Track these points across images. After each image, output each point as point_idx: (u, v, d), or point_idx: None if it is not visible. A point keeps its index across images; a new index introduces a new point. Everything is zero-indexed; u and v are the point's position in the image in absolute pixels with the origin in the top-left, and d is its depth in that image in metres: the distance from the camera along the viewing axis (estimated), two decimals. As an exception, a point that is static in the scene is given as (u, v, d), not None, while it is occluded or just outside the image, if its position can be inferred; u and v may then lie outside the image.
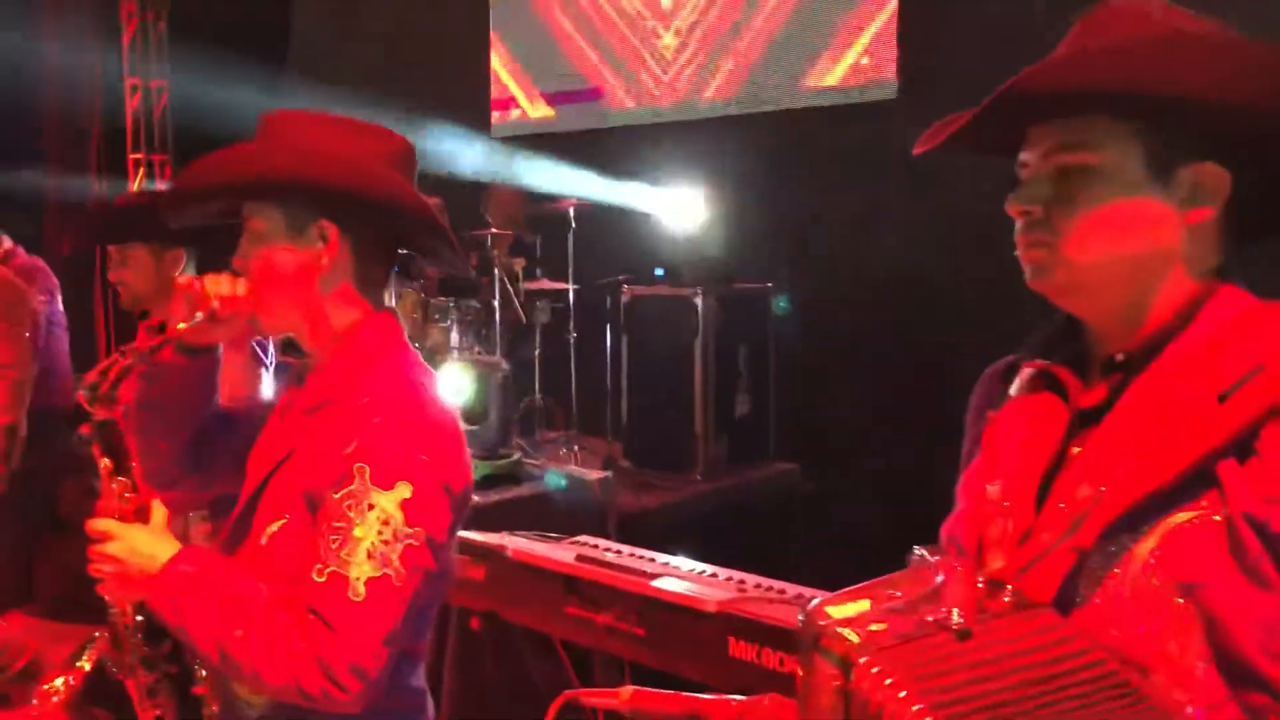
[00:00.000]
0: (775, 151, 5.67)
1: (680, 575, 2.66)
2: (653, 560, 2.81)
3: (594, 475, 4.15)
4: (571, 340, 5.30)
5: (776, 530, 4.84)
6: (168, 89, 8.41)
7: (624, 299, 5.15)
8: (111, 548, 1.44)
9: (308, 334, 1.56)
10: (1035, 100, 1.11)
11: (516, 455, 4.31)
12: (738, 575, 2.72)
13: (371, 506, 1.35)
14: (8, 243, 5.28)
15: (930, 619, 0.99)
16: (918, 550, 1.09)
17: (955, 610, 0.98)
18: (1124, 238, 1.11)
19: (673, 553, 2.89)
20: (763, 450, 5.25)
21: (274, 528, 1.44)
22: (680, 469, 4.95)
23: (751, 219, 5.43)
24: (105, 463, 1.51)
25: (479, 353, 5.09)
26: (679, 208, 5.17)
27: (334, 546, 1.34)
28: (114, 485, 1.51)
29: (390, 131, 1.56)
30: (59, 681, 1.50)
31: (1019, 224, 1.16)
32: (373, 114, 1.60)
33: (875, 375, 5.21)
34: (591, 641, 2.69)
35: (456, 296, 4.98)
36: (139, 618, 1.53)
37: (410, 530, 1.36)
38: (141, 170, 8.37)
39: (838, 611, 1.02)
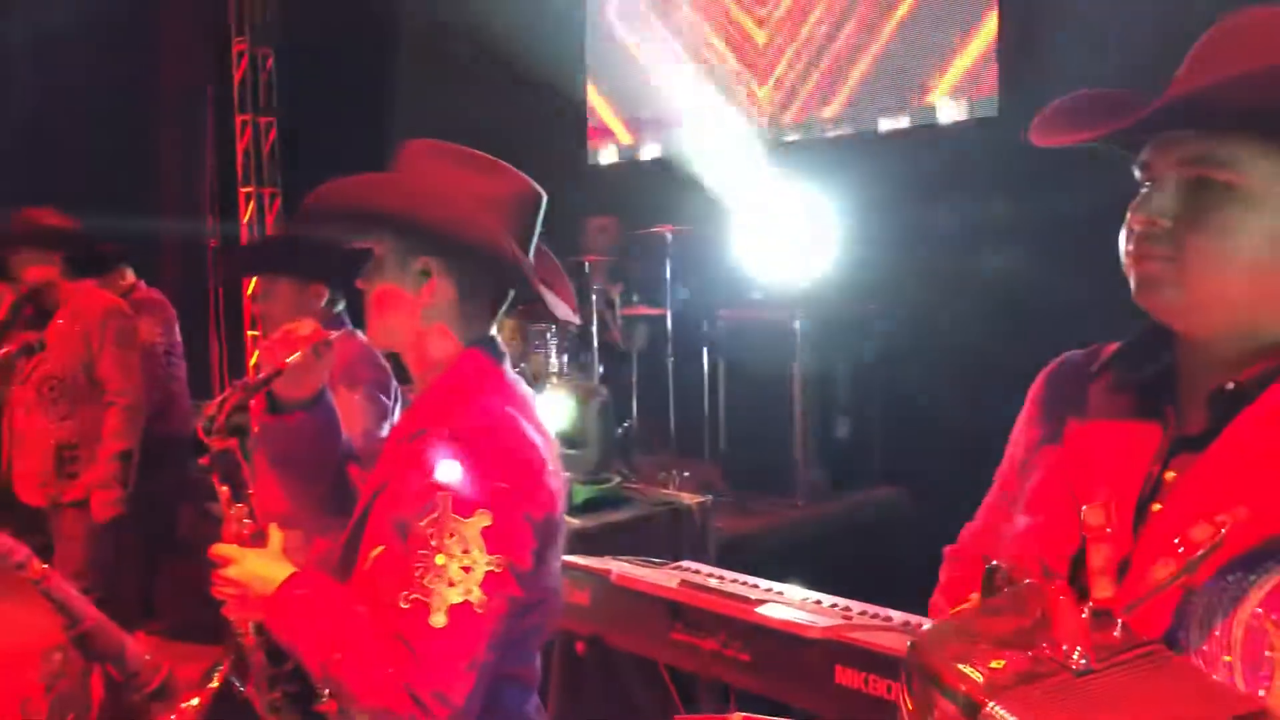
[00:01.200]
0: (875, 172, 5.61)
1: (785, 602, 2.64)
2: (756, 586, 2.79)
3: (694, 499, 4.14)
4: (669, 364, 5.31)
5: (880, 555, 4.76)
6: (276, 125, 8.70)
7: (721, 323, 5.14)
8: (231, 572, 1.50)
9: (412, 362, 1.63)
10: (1184, 111, 1.06)
11: (616, 479, 4.33)
12: (843, 602, 2.69)
13: (453, 534, 1.38)
14: (130, 276, 5.52)
15: (1049, 655, 0.96)
16: (993, 562, 1.06)
17: (1077, 649, 0.95)
18: (1253, 264, 1.06)
19: (774, 578, 2.87)
20: (865, 474, 5.19)
21: (374, 554, 1.49)
22: (780, 493, 4.91)
23: (851, 240, 5.39)
24: (224, 490, 1.57)
25: (577, 378, 5.13)
26: (777, 231, 5.15)
27: (418, 574, 1.37)
28: (233, 512, 1.57)
29: (513, 172, 1.59)
30: (194, 702, 1.56)
31: (1135, 232, 1.11)
32: (471, 146, 1.63)
33: (980, 395, 5.10)
34: (696, 667, 2.68)
35: (555, 323, 5.03)
36: (260, 638, 1.57)
37: (491, 558, 1.38)
38: (251, 204, 8.66)
39: (951, 644, 1.00)
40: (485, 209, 1.53)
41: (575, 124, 7.24)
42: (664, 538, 4.01)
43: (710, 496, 4.23)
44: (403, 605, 1.36)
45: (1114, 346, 1.26)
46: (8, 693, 3.83)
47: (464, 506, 1.39)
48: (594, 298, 5.07)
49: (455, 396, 1.53)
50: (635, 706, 3.12)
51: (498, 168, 1.59)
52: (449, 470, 1.41)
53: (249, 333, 8.68)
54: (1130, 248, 1.12)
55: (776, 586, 2.79)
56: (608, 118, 7.12)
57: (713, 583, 2.76)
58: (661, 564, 3.01)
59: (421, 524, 1.39)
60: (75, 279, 3.98)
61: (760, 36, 6.21)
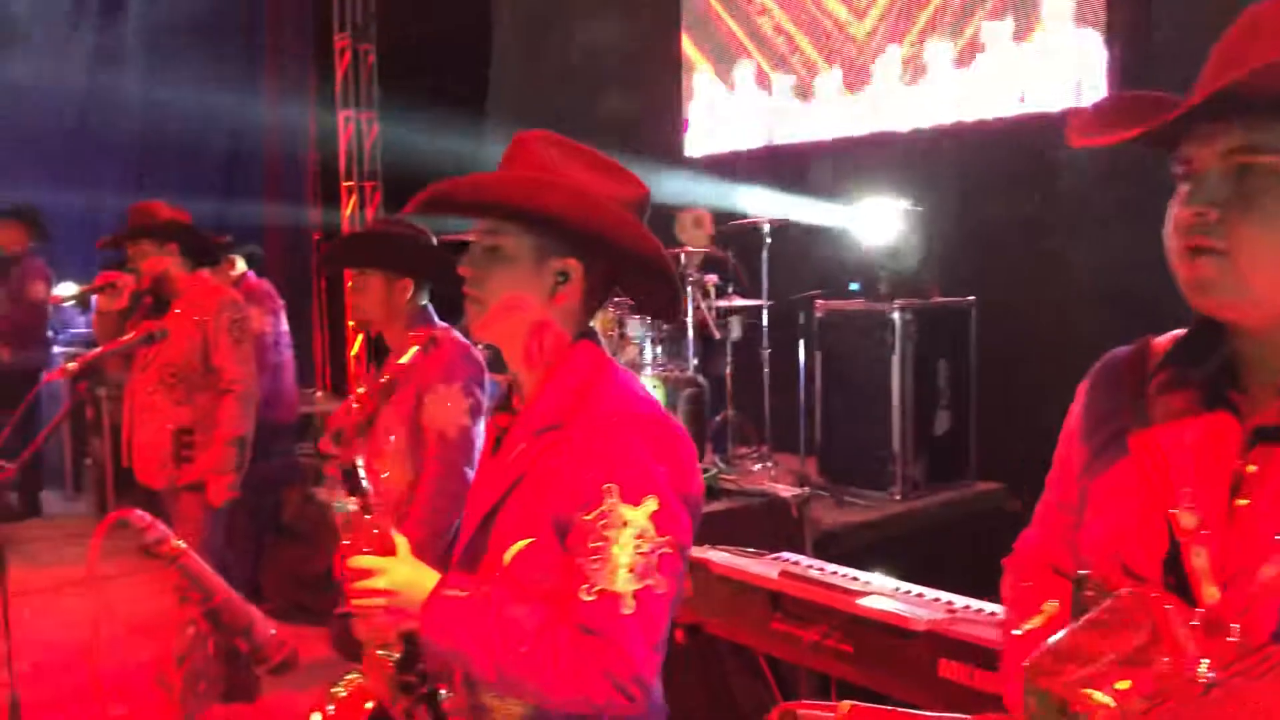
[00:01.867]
0: (976, 161, 5.53)
1: (887, 594, 2.63)
2: (856, 579, 2.79)
3: (790, 492, 4.13)
4: (764, 356, 5.29)
5: (979, 552, 4.68)
6: (377, 120, 8.88)
7: (818, 314, 5.11)
8: (377, 582, 1.50)
9: (522, 356, 1.61)
10: (1229, 99, 1.04)
11: (713, 470, 4.34)
12: (945, 596, 2.67)
13: (625, 524, 1.40)
14: (240, 266, 5.71)
15: (1171, 670, 0.94)
16: (1081, 573, 1.04)
17: (1202, 662, 0.93)
18: None
19: (871, 572, 2.86)
20: (963, 469, 5.11)
21: (517, 549, 1.48)
22: (877, 487, 4.86)
23: (952, 231, 5.31)
24: (353, 502, 1.57)
25: (672, 369, 5.15)
26: (874, 221, 5.09)
27: (596, 566, 1.39)
28: (364, 522, 1.56)
29: (633, 176, 1.60)
30: (315, 717, 1.58)
31: (1184, 225, 1.09)
32: (567, 137, 1.63)
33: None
34: (796, 658, 2.69)
35: (651, 315, 5.05)
36: (408, 646, 1.58)
37: (663, 539, 1.42)
38: (353, 197, 8.85)
39: (1069, 668, 0.97)
40: (635, 214, 1.56)
41: (670, 114, 7.26)
42: (759, 530, 4.01)
43: (807, 489, 4.21)
44: (586, 597, 1.38)
45: (1165, 340, 1.23)
46: (144, 661, 3.99)
47: (632, 494, 1.42)
48: (689, 289, 5.08)
49: (586, 388, 1.54)
50: (733, 695, 3.14)
51: (623, 170, 1.59)
52: (611, 460, 1.44)
53: (350, 323, 8.88)
54: (1178, 243, 1.10)
55: (877, 579, 2.78)
56: (703, 107, 7.11)
57: (814, 574, 2.75)
58: (760, 555, 3.01)
59: (589, 518, 1.42)
60: (190, 270, 4.11)
61: (859, 28, 6.14)
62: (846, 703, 1.41)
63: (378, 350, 3.23)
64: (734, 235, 5.59)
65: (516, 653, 1.39)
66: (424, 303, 3.08)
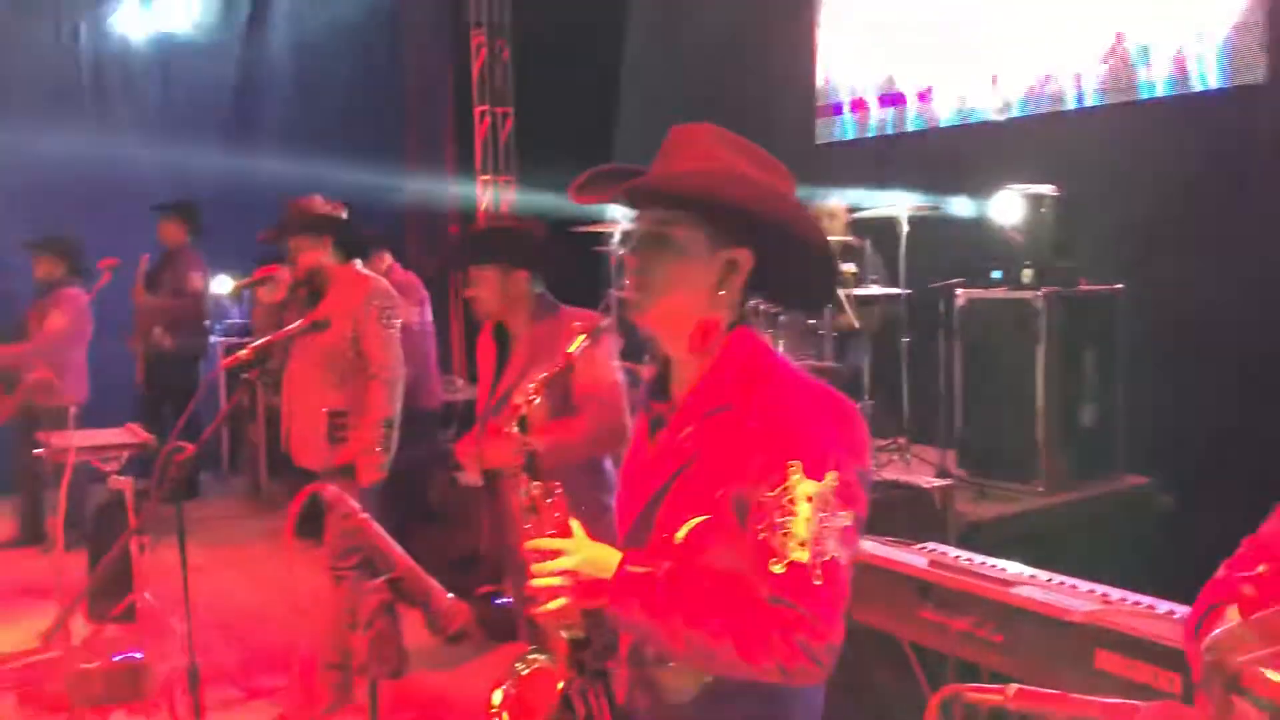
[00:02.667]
0: (1125, 143, 5.35)
1: (1040, 584, 2.59)
2: (1006, 569, 2.75)
3: (934, 483, 4.08)
4: (903, 346, 5.23)
5: (1129, 546, 4.56)
6: (512, 114, 9.06)
7: (959, 303, 5.02)
8: (564, 563, 1.56)
9: (676, 340, 1.65)
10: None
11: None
12: (1100, 587, 2.62)
13: (809, 498, 1.45)
14: (388, 259, 5.91)
15: None
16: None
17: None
18: None
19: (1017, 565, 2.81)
20: (1110, 462, 4.97)
21: (690, 526, 1.54)
22: (1020, 479, 4.76)
23: (1099, 216, 5.15)
24: (535, 486, 1.61)
25: (810, 360, 5.13)
26: (1018, 207, 4.98)
27: (783, 539, 1.44)
28: (546, 506, 1.61)
29: (784, 168, 1.64)
30: (497, 695, 1.63)
31: None
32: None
33: (1236, 381, 4.80)
34: (945, 646, 2.67)
35: (795, 307, 5.03)
36: (591, 623, 1.61)
37: (844, 513, 1.47)
38: (489, 191, 9.05)
39: (1252, 647, 0.96)
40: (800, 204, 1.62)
41: (805, 102, 7.21)
42: (902, 520, 3.97)
43: (951, 480, 4.16)
44: (776, 570, 1.44)
45: None
46: (319, 626, 4.20)
47: (815, 469, 1.47)
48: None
49: (753, 371, 1.58)
50: (870, 681, 3.12)
51: (776, 162, 1.64)
52: (793, 438, 1.48)
53: (486, 315, 9.08)
54: None
55: (1028, 570, 2.74)
56: (838, 94, 7.05)
57: (963, 563, 2.73)
58: (907, 544, 3.00)
59: (773, 493, 1.46)
60: (343, 262, 4.28)
61: (1000, 5, 6.01)
62: (1014, 686, 1.41)
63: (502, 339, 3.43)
64: (870, 224, 5.53)
65: (710, 624, 1.44)
66: (539, 290, 3.32)
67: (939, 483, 4.10)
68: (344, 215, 4.42)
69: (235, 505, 7.69)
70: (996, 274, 5.01)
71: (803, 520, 1.44)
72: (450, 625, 1.66)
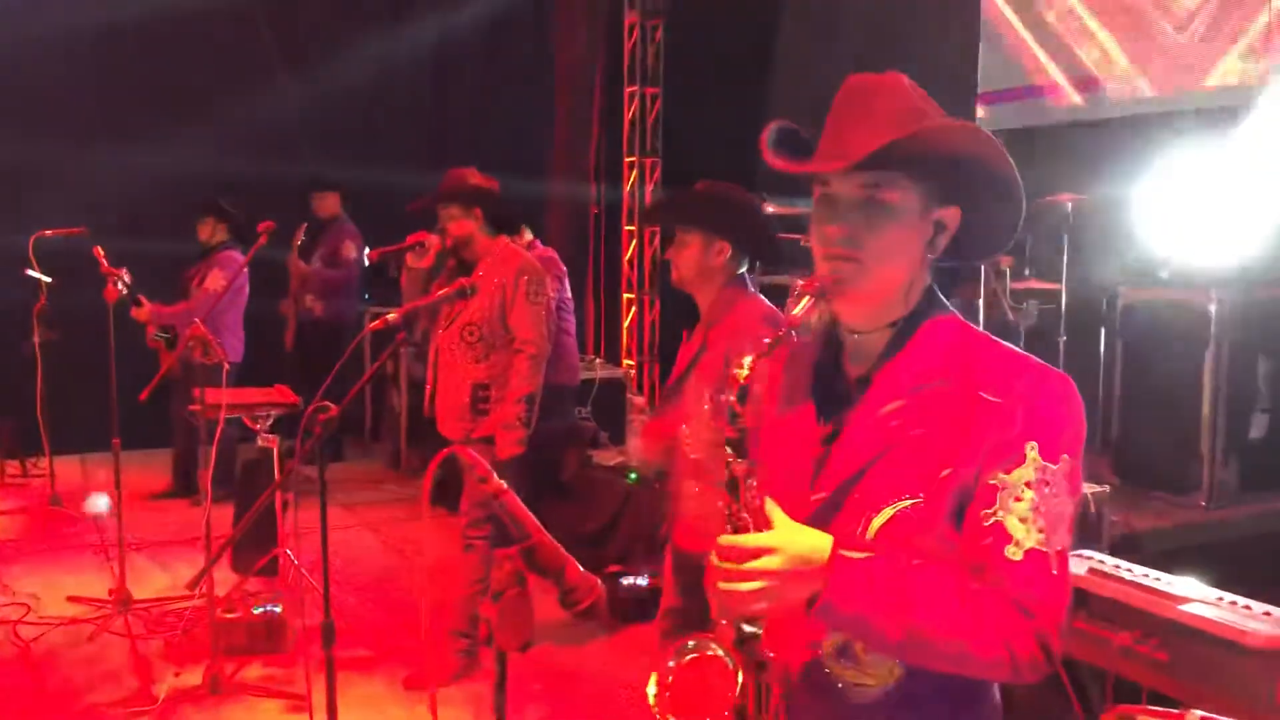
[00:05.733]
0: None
1: (1210, 603, 2.41)
2: (1172, 583, 2.57)
3: (1089, 488, 3.87)
4: (1061, 344, 4.99)
5: (1298, 569, 4.26)
6: (661, 95, 9.00)
7: (1122, 302, 4.77)
8: (770, 563, 1.36)
9: (880, 306, 1.50)
10: None
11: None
12: (1277, 610, 2.42)
13: (1046, 483, 1.36)
14: (529, 235, 5.93)
15: None
16: None
17: None
18: None
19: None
20: (1280, 478, 4.67)
21: (899, 507, 1.41)
22: (1180, 491, 4.51)
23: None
24: (739, 463, 1.44)
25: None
26: (1190, 204, 4.69)
27: (1020, 524, 1.35)
28: (747, 487, 1.44)
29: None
30: (651, 686, 1.50)
31: None
32: None
33: None
34: (1102, 661, 2.51)
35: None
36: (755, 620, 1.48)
37: (1072, 500, 1.38)
38: (634, 172, 9.02)
39: None
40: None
41: (965, 88, 6.95)
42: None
43: (1107, 487, 3.94)
44: (1012, 556, 1.34)
45: None
46: (449, 593, 4.26)
47: (1051, 452, 1.37)
48: (982, 270, 4.85)
49: (964, 343, 1.48)
50: (1017, 696, 2.97)
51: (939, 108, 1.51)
52: (1032, 417, 1.38)
53: (625, 295, 9.07)
54: None
55: (1196, 586, 2.55)
56: (999, 80, 6.78)
57: (1124, 574, 2.56)
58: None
59: (1011, 476, 1.36)
60: (492, 235, 4.30)
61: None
62: (1196, 712, 1.28)
63: (691, 315, 3.24)
64: (1033, 214, 5.29)
65: (938, 612, 1.33)
66: (742, 269, 3.06)
67: (1093, 489, 3.89)
68: (496, 189, 4.44)
69: (376, 470, 7.87)
70: (1165, 273, 4.74)
71: (1039, 505, 1.35)
72: (583, 600, 1.60)
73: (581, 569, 1.64)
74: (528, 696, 4.13)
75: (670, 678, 1.46)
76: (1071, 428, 1.40)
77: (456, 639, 4.25)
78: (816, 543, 1.38)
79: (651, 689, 1.46)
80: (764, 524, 1.41)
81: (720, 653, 1.46)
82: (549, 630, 4.25)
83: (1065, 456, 1.37)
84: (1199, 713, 1.29)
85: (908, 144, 1.40)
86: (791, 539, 1.38)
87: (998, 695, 1.51)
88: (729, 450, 1.44)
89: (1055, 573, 1.33)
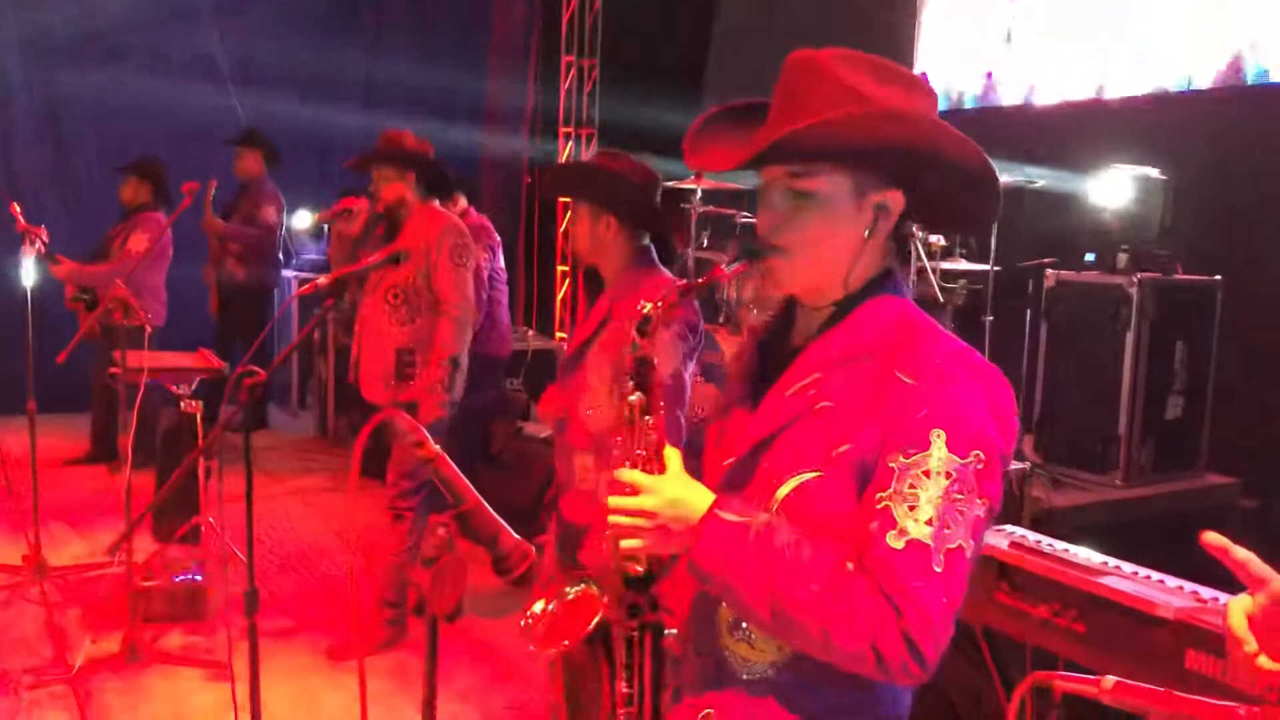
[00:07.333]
0: (1232, 128, 5.12)
1: (1125, 576, 2.48)
2: (1089, 558, 2.64)
3: (1011, 465, 3.95)
4: (987, 324, 5.07)
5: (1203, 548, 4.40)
6: (598, 66, 8.96)
7: (1048, 284, 4.86)
8: (645, 502, 1.35)
9: (815, 295, 1.47)
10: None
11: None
12: (1189, 584, 2.49)
13: (948, 475, 1.27)
14: (463, 203, 5.87)
15: None
16: None
17: None
18: None
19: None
20: (1193, 459, 4.79)
21: (799, 481, 1.35)
22: (1097, 470, 4.61)
23: (1202, 204, 4.94)
24: (637, 398, 1.41)
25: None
26: (1115, 189, 4.78)
27: (908, 512, 1.26)
28: (642, 423, 1.41)
29: (924, 83, 1.45)
30: (537, 606, 1.52)
31: None
32: None
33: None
34: (1021, 634, 2.57)
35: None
36: (657, 568, 1.45)
37: (980, 501, 1.28)
38: (570, 143, 8.98)
39: None
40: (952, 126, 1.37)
41: (905, 64, 7.00)
42: (974, 501, 3.85)
43: (1028, 464, 4.03)
44: (895, 544, 1.25)
45: None
46: (377, 562, 4.20)
47: (960, 445, 1.28)
48: (912, 248, 4.90)
49: (901, 324, 1.41)
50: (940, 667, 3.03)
51: (915, 78, 1.44)
52: (944, 406, 1.30)
53: (559, 267, 9.04)
54: None
55: (1113, 560, 2.62)
56: (937, 62, 6.85)
57: (1045, 549, 2.62)
58: (984, 524, 2.89)
59: (908, 460, 1.28)
60: (423, 200, 4.25)
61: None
62: (1110, 678, 1.31)
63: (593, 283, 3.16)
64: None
65: (804, 591, 1.26)
66: (644, 243, 2.95)
67: (1015, 466, 3.97)
68: (430, 154, 4.39)
69: (301, 439, 7.76)
70: (1089, 257, 4.84)
71: (936, 497, 1.26)
72: (516, 567, 1.59)
73: (516, 535, 1.63)
74: (455, 666, 4.12)
75: (552, 607, 1.49)
76: (992, 427, 1.31)
77: (383, 608, 4.22)
78: (696, 496, 1.36)
79: (537, 608, 1.49)
80: (658, 468, 1.40)
81: (595, 590, 1.48)
82: (475, 601, 4.23)
83: (978, 453, 1.28)
84: (1114, 678, 1.31)
85: (807, 134, 1.32)
86: (673, 486, 1.37)
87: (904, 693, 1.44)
88: (630, 381, 1.42)
89: (939, 570, 1.24)
